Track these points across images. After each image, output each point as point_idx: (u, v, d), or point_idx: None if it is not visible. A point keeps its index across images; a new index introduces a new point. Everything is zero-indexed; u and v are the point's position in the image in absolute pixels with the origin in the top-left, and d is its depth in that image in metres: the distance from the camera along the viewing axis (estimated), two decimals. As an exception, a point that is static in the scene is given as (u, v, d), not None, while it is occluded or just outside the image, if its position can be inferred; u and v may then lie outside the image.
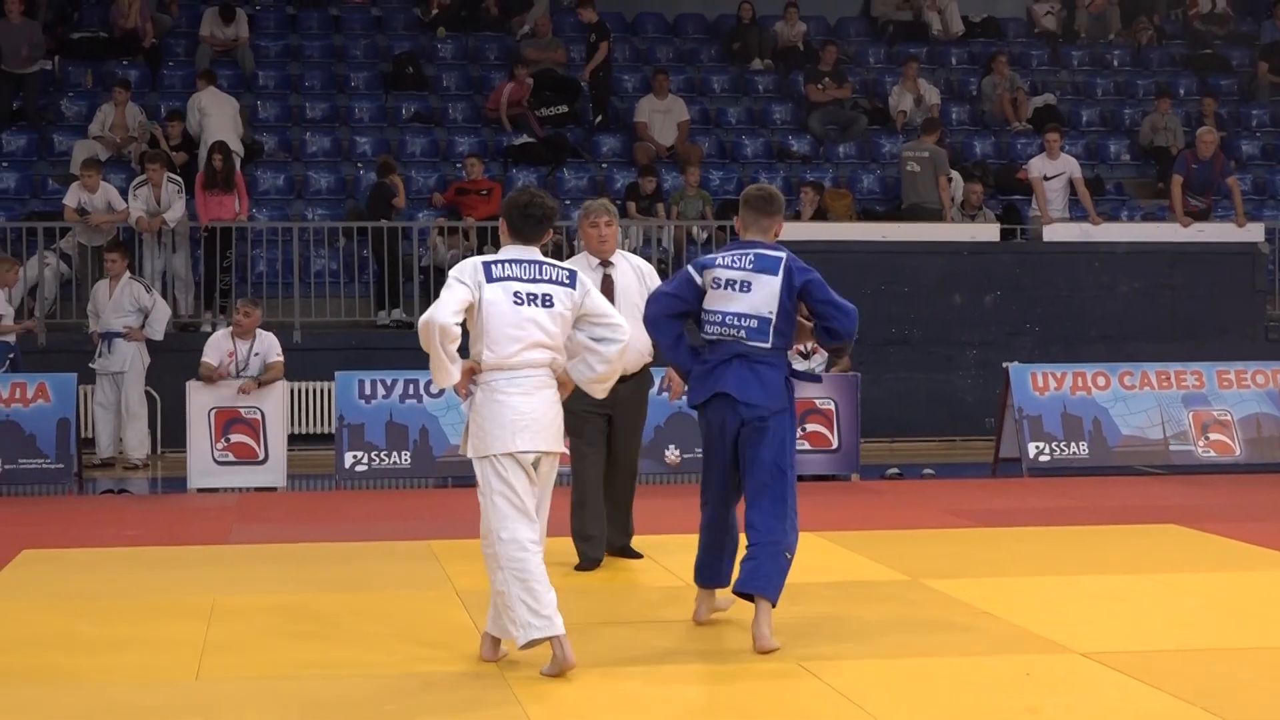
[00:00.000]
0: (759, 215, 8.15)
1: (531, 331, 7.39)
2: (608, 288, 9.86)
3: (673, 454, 14.94)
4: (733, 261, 7.97)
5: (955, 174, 19.54)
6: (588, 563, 10.15)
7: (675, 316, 8.11)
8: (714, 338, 7.98)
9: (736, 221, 8.32)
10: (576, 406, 9.39)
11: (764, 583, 7.81)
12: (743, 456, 7.99)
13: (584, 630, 7.92)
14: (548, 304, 7.45)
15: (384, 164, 18.86)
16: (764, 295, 7.93)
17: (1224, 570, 10.15)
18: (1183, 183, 19.30)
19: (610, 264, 10.11)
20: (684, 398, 8.59)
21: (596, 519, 10.19)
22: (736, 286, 7.93)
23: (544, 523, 7.54)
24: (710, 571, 8.24)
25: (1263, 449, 15.63)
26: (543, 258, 7.58)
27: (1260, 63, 23.76)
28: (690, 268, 8.10)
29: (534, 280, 7.47)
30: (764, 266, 7.95)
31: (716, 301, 7.96)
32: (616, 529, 10.38)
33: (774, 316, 7.95)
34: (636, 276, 10.12)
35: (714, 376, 7.97)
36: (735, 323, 7.93)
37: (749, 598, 7.87)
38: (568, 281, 7.53)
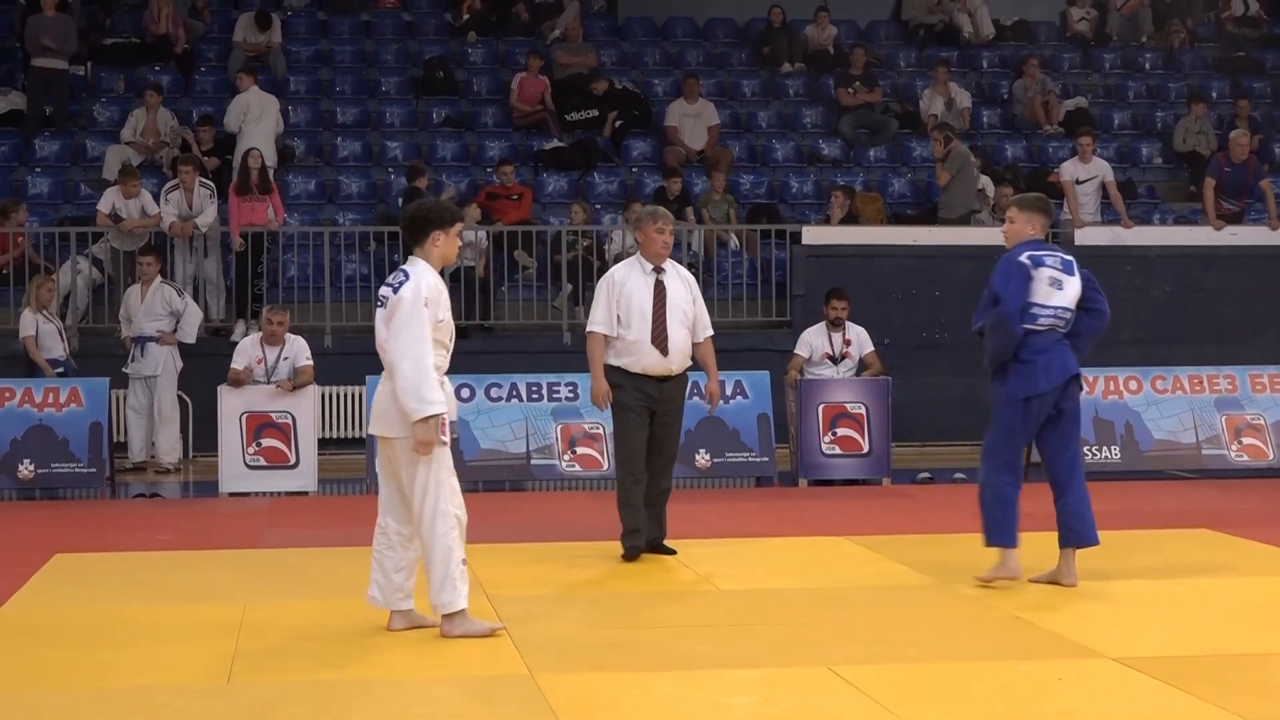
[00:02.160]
0: (1049, 223, 9.63)
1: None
2: (659, 293, 10.50)
3: (703, 458, 14.92)
4: (1055, 261, 9.29)
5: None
6: (632, 553, 10.56)
7: None
8: (1044, 328, 9.27)
9: (1026, 217, 9.44)
10: (629, 400, 10.34)
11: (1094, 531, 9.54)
12: (1058, 431, 9.48)
13: (617, 632, 7.91)
14: (381, 305, 8.21)
15: (413, 168, 18.90)
16: (1073, 292, 9.34)
17: (1256, 575, 10.11)
18: (1215, 186, 19.22)
19: (663, 270, 10.57)
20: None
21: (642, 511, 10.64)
22: (1059, 285, 9.28)
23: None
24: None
25: (1296, 453, 15.56)
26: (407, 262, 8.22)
27: (1294, 65, 23.68)
28: (1025, 263, 9.23)
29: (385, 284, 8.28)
30: (1069, 269, 9.35)
31: (1047, 296, 9.24)
32: (653, 523, 10.55)
33: (1073, 310, 9.36)
34: (684, 286, 10.65)
35: (1055, 362, 9.29)
36: (1062, 314, 9.31)
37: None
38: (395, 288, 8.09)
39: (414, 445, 7.98)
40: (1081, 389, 9.58)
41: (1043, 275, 9.24)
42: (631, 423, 10.52)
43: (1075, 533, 9.53)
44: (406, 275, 8.12)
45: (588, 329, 10.64)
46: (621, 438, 10.66)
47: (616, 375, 10.51)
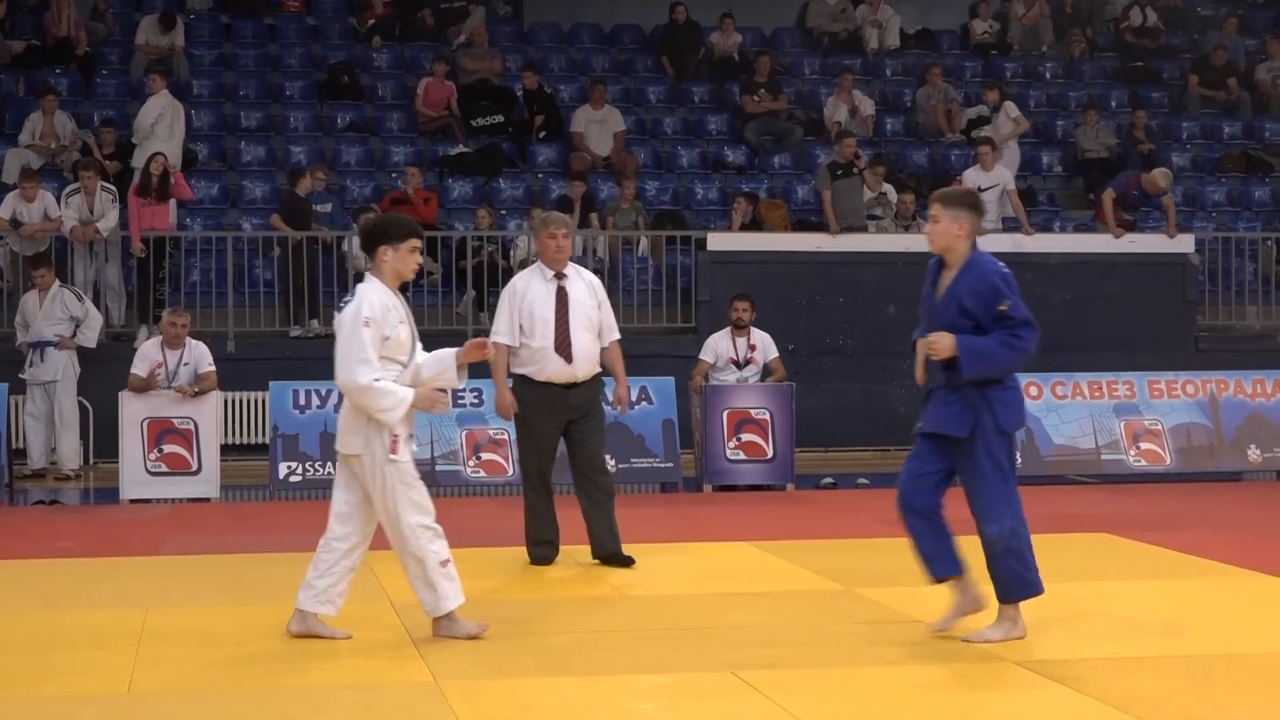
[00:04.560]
0: (978, 218, 8.17)
1: None
2: (562, 300, 10.40)
3: (608, 464, 14.90)
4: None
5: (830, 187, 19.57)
6: (539, 560, 10.65)
7: None
8: None
9: (961, 225, 8.08)
10: (532, 411, 10.38)
11: None
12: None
13: (522, 639, 7.91)
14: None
15: (294, 172, 18.79)
16: None
17: (1155, 579, 10.23)
18: (1114, 199, 19.42)
19: (564, 276, 10.50)
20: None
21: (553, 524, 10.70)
22: None
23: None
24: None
25: (1193, 458, 15.77)
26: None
27: (1190, 75, 23.98)
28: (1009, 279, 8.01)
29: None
30: None
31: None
32: (606, 533, 10.54)
33: None
34: (589, 290, 10.49)
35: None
36: None
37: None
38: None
39: (430, 407, 8.25)
40: None
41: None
42: (533, 434, 10.53)
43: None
44: (352, 296, 8.16)
45: (490, 339, 10.61)
46: (524, 449, 10.69)
47: (522, 385, 10.50)
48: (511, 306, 10.48)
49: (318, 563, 8.28)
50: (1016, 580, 7.97)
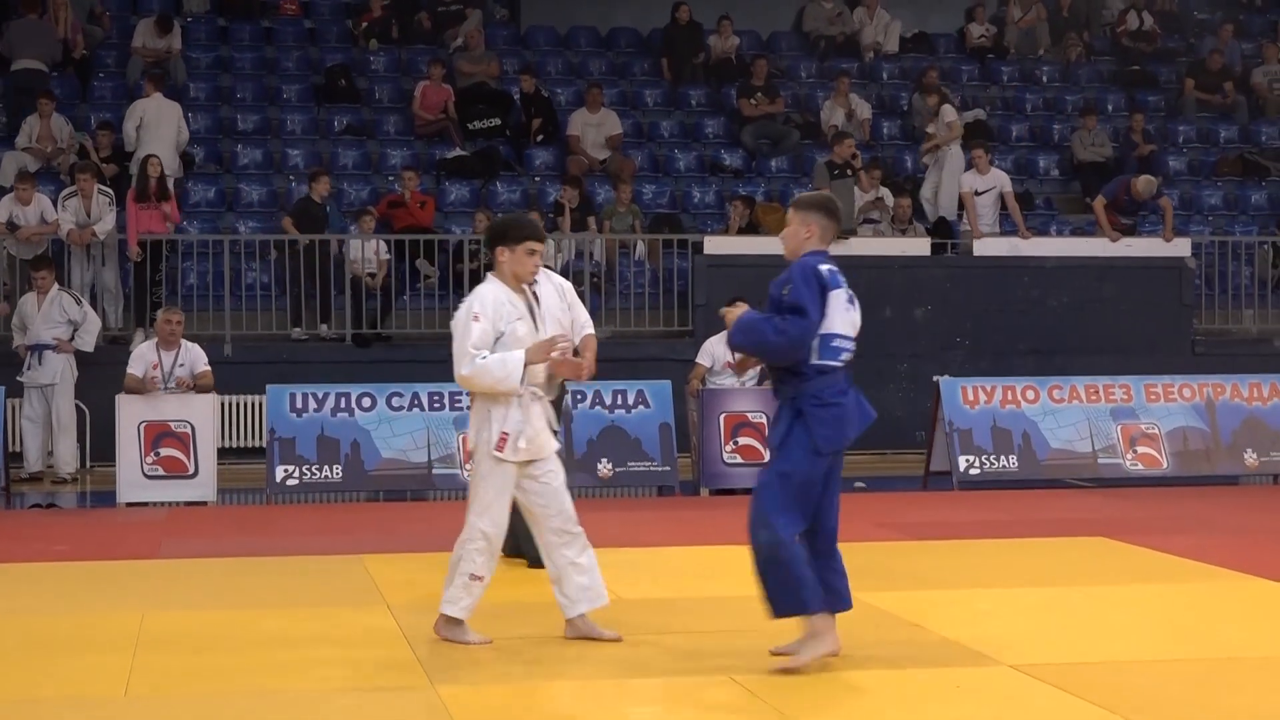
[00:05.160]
0: (837, 230, 7.86)
1: None
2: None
3: (605, 468, 14.94)
4: (845, 281, 7.68)
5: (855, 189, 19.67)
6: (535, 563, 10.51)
7: None
8: (843, 364, 7.71)
9: (809, 228, 7.71)
10: None
11: None
12: (833, 483, 7.80)
13: (518, 642, 7.91)
14: None
15: (312, 175, 18.80)
16: (859, 319, 7.76)
17: (1151, 582, 10.23)
18: (1107, 205, 19.44)
19: (534, 280, 10.30)
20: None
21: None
22: (853, 305, 7.70)
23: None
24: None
25: (1190, 462, 15.76)
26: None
27: (1187, 79, 24.00)
28: (826, 283, 7.55)
29: None
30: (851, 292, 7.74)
31: (844, 324, 7.66)
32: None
33: None
34: (558, 294, 10.39)
35: (858, 406, 7.76)
36: (853, 346, 7.73)
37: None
38: None
39: (544, 357, 8.14)
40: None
41: (840, 297, 7.64)
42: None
43: (841, 596, 7.78)
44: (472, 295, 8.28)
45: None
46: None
47: None
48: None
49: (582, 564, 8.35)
50: (782, 594, 7.50)
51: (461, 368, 8.09)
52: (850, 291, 7.70)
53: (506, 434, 8.10)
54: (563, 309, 10.31)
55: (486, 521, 8.16)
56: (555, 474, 8.30)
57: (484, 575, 8.18)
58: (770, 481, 7.60)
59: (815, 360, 7.56)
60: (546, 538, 8.31)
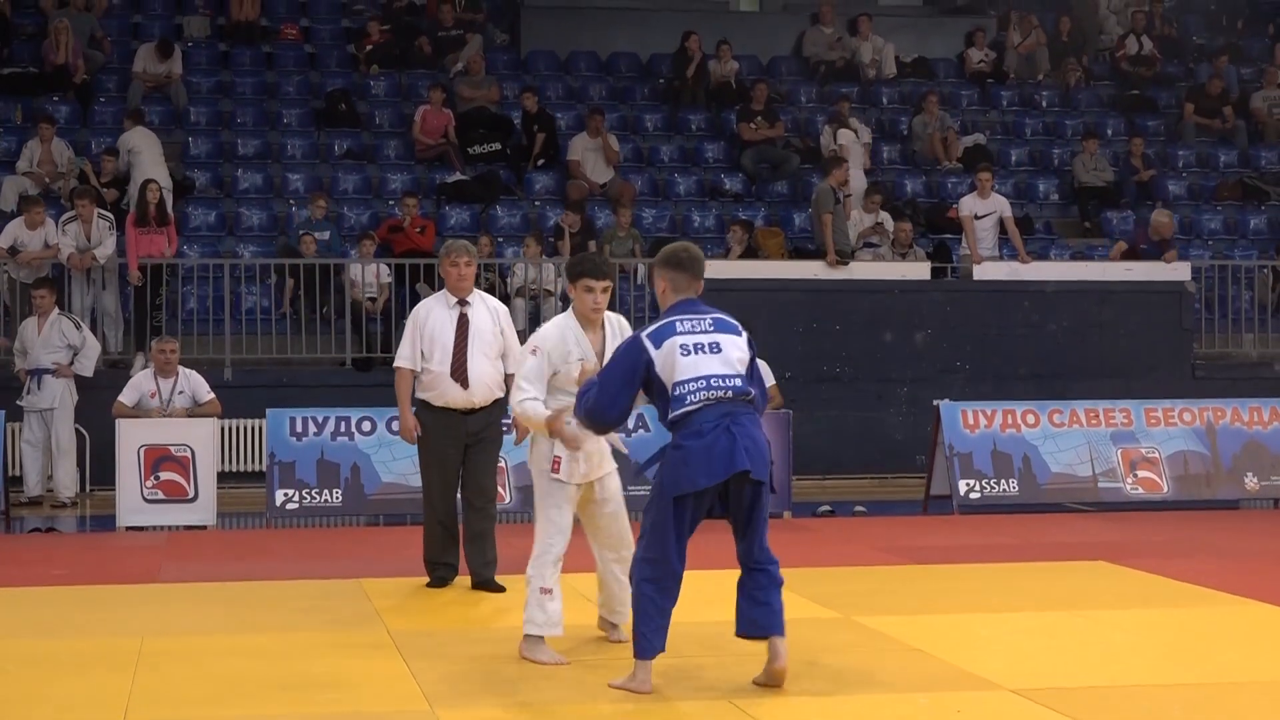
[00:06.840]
0: (693, 277, 7.83)
1: None
2: (462, 325, 10.51)
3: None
4: (693, 326, 7.66)
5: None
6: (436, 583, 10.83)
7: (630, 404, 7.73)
8: (699, 404, 7.55)
9: (662, 284, 7.84)
10: (432, 436, 10.56)
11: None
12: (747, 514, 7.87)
13: (515, 666, 7.89)
14: None
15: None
16: (737, 354, 7.70)
17: (1152, 607, 10.22)
18: (1126, 251, 19.72)
19: (467, 303, 10.62)
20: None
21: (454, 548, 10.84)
22: (710, 348, 7.63)
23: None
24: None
25: (1190, 486, 15.76)
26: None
27: (1186, 104, 24.05)
28: (644, 342, 7.63)
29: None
30: (724, 328, 7.73)
31: (690, 369, 7.58)
32: (480, 561, 10.63)
33: (745, 371, 7.75)
34: (491, 317, 10.62)
35: (719, 449, 7.58)
36: (721, 383, 7.60)
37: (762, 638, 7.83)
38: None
39: (565, 442, 8.25)
40: (764, 493, 7.87)
41: (671, 348, 7.59)
42: (434, 458, 10.68)
43: (759, 624, 7.92)
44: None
45: (395, 364, 10.76)
46: (425, 472, 10.83)
47: (423, 409, 10.66)
48: (414, 332, 10.62)
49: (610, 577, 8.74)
50: (636, 633, 7.70)
51: (512, 398, 8.49)
52: (712, 328, 7.72)
53: (559, 457, 8.33)
54: (494, 333, 10.77)
55: (548, 533, 8.34)
56: (609, 499, 8.58)
57: (552, 584, 8.32)
58: (642, 521, 7.79)
59: (672, 413, 7.61)
60: (601, 552, 8.69)
